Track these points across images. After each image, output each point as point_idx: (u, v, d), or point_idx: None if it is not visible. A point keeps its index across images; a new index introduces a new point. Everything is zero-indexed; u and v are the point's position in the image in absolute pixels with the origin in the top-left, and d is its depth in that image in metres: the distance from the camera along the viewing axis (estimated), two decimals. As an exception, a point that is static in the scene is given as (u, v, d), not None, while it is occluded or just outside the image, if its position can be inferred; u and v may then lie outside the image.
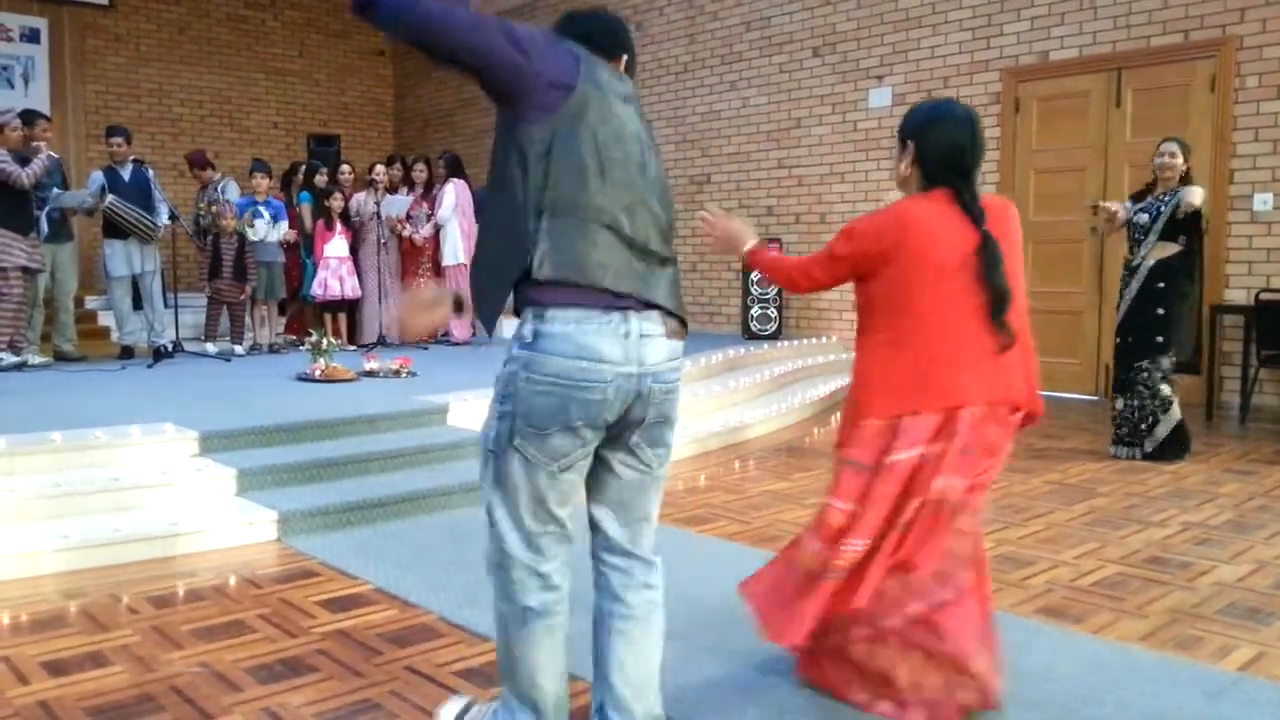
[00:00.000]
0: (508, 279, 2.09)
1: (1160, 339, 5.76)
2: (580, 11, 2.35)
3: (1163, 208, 5.75)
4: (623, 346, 2.06)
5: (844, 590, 2.60)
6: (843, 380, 8.44)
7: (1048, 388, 8.31)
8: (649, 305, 2.11)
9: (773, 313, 9.69)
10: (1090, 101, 8.07)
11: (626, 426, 2.16)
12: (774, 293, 9.65)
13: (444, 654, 3.09)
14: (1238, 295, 7.36)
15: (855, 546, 2.57)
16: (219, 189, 8.84)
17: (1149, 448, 5.85)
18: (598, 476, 2.25)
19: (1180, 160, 5.80)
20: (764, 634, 2.74)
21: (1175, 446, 5.84)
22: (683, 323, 2.21)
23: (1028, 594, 3.61)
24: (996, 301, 2.53)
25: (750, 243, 2.90)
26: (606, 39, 2.29)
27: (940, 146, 2.59)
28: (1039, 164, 8.39)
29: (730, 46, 10.40)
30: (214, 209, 8.55)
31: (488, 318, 2.14)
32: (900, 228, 2.54)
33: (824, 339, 9.56)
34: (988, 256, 2.52)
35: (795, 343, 9.23)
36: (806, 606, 2.62)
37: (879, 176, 9.33)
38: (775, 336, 9.61)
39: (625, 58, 2.33)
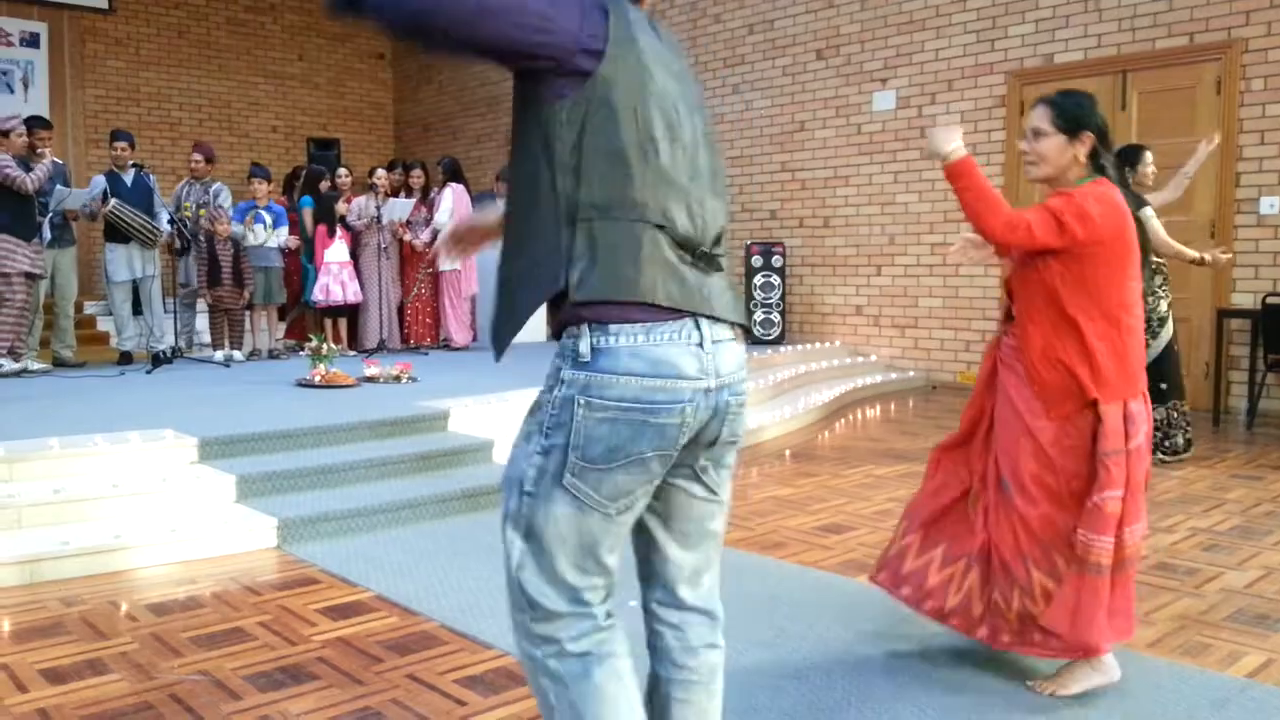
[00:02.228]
0: (535, 301, 1.74)
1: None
2: None
3: None
4: (698, 357, 1.70)
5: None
6: (846, 385, 8.42)
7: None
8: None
9: (776, 317, 9.65)
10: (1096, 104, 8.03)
11: (696, 449, 1.78)
12: (778, 297, 9.62)
13: (445, 662, 3.06)
14: (1244, 299, 7.33)
15: (1136, 531, 2.72)
16: (212, 193, 8.78)
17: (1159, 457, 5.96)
18: (654, 511, 1.84)
19: (1151, 169, 5.93)
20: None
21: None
22: (744, 326, 1.85)
23: (1035, 601, 3.58)
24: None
25: (954, 145, 2.76)
26: None
27: (1108, 136, 2.78)
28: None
29: (733, 49, 10.38)
30: (203, 212, 8.46)
31: (501, 342, 1.79)
32: (1122, 216, 2.70)
33: (828, 343, 9.53)
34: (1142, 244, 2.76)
35: (799, 347, 9.20)
36: (1116, 602, 2.73)
37: (883, 180, 9.31)
38: (779, 341, 9.58)
39: None
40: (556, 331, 1.76)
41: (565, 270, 1.67)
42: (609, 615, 1.78)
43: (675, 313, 1.69)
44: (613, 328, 1.66)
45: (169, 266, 8.60)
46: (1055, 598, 2.71)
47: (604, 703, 1.72)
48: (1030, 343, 2.76)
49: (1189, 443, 5.92)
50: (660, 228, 1.68)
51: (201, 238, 8.39)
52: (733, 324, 1.78)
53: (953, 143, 2.77)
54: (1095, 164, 2.77)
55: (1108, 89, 7.96)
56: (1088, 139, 2.74)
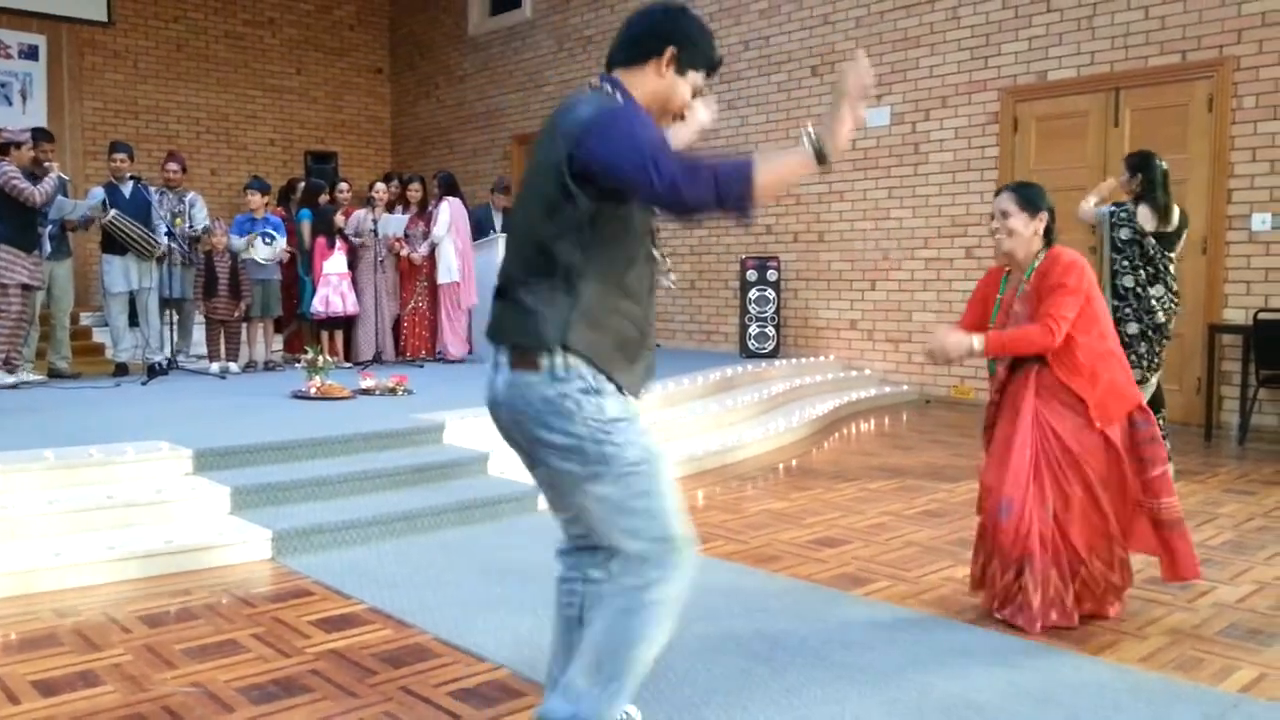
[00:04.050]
0: None
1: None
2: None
3: None
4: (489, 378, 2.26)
5: None
6: (840, 399, 8.43)
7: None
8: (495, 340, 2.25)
9: (771, 331, 9.67)
10: (1089, 121, 8.09)
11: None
12: (772, 311, 9.64)
13: (439, 674, 3.06)
14: (1236, 315, 7.36)
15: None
16: (187, 202, 8.76)
17: None
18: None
19: (1124, 179, 5.93)
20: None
21: None
22: (521, 349, 2.16)
23: (1028, 615, 3.58)
24: None
25: (976, 344, 3.38)
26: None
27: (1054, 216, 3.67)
28: (1037, 183, 8.40)
29: (728, 65, 10.42)
30: (179, 221, 8.44)
31: None
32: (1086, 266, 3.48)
33: (822, 357, 9.55)
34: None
35: (793, 361, 9.22)
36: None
37: (877, 195, 9.34)
38: (773, 355, 9.59)
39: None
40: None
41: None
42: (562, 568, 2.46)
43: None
44: None
45: (166, 279, 8.58)
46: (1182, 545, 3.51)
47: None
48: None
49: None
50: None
51: (199, 251, 8.40)
52: (502, 346, 2.22)
53: (963, 344, 3.37)
54: (1047, 240, 3.54)
55: (1100, 106, 8.01)
56: (1044, 217, 3.49)
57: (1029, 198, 3.51)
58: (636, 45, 2.26)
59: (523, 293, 2.14)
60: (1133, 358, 5.82)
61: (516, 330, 2.17)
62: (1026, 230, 3.48)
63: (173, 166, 8.82)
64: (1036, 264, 3.49)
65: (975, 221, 8.73)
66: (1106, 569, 3.42)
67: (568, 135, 2.09)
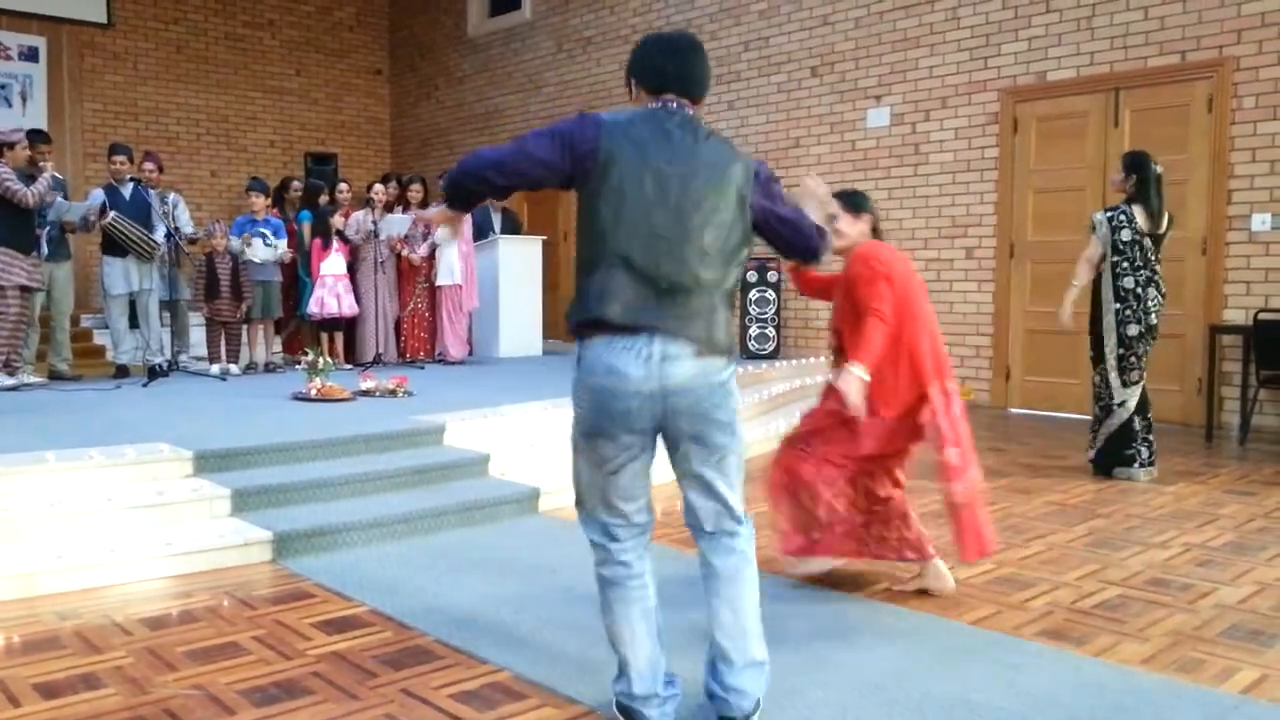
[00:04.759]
0: (571, 323, 2.60)
1: (1092, 352, 6.02)
2: (652, 47, 2.68)
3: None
4: (645, 365, 2.48)
5: None
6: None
7: (1047, 407, 8.33)
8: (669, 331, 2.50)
9: (771, 332, 9.67)
10: (1088, 121, 8.10)
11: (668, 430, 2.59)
12: (772, 312, 9.64)
13: (440, 677, 3.06)
14: (1236, 315, 7.36)
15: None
16: (170, 203, 8.73)
17: (1090, 455, 6.07)
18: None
19: (1119, 178, 5.94)
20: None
21: (1106, 460, 5.97)
22: (713, 343, 2.55)
23: (1029, 616, 3.59)
24: None
25: (864, 374, 3.49)
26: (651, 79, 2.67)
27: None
28: (1037, 184, 8.41)
29: (728, 66, 10.43)
30: (174, 227, 8.44)
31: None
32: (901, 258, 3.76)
33: (823, 358, 9.54)
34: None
35: (794, 362, 9.21)
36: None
37: (877, 196, 9.33)
38: (774, 356, 9.59)
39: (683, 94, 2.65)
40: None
41: (575, 298, 2.58)
42: (629, 552, 2.63)
43: (631, 330, 2.48)
44: (587, 339, 2.55)
45: (167, 280, 8.59)
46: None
47: (611, 613, 2.65)
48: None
49: (1119, 458, 5.94)
50: (629, 268, 2.48)
51: (199, 253, 8.41)
52: (692, 340, 2.51)
53: (857, 381, 3.45)
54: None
55: (1100, 106, 8.02)
56: (867, 218, 3.80)
57: (854, 202, 3.81)
58: (626, 81, 2.74)
59: (717, 298, 2.58)
60: (1132, 359, 5.83)
61: (711, 327, 2.56)
62: (853, 230, 3.77)
63: (149, 166, 8.73)
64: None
65: (975, 222, 8.73)
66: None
67: (747, 176, 2.62)
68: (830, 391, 3.77)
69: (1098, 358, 5.95)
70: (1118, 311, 5.81)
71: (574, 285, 2.62)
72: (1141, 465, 5.88)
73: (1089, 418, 6.25)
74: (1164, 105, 7.70)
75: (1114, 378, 5.88)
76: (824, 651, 3.21)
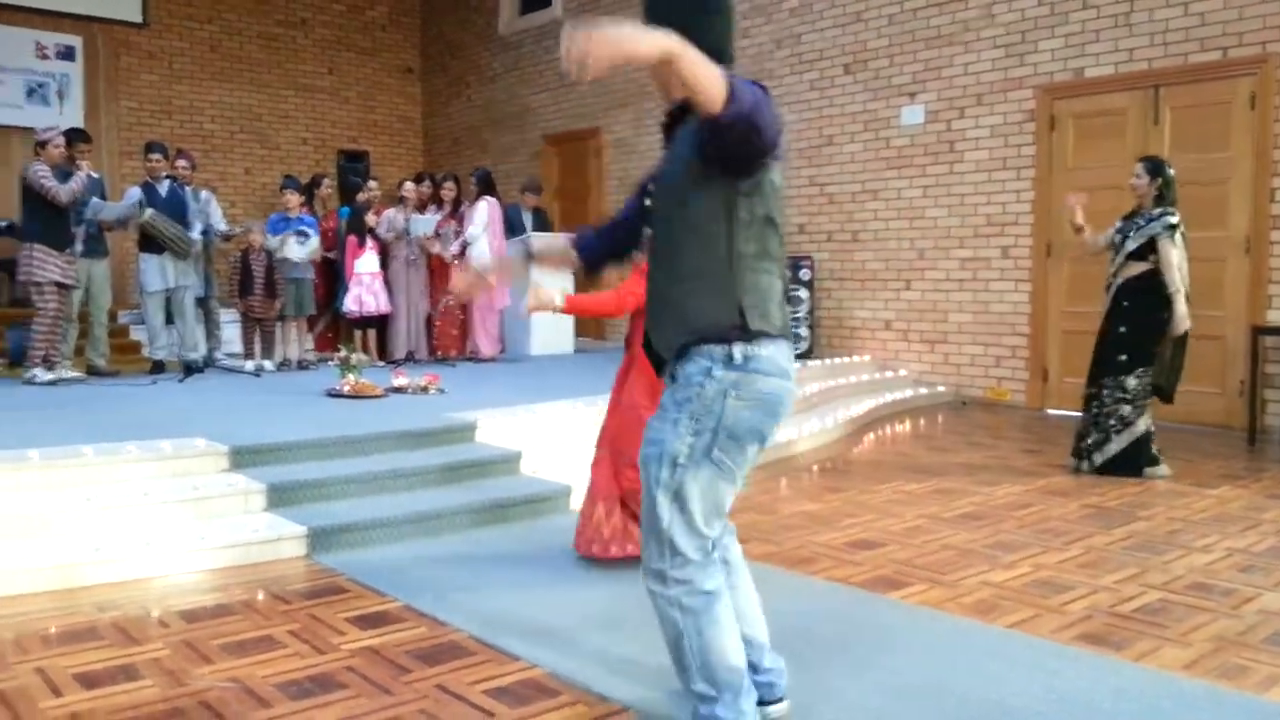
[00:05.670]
0: (711, 317, 2.36)
1: (1123, 357, 5.89)
2: None
3: (1132, 230, 5.89)
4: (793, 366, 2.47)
5: None
6: (875, 400, 8.39)
7: (1075, 408, 8.21)
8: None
9: (805, 331, 9.61)
10: (1128, 119, 7.99)
11: None
12: (806, 311, 9.59)
13: (474, 673, 3.06)
14: (1279, 317, 7.24)
15: None
16: (202, 200, 8.79)
17: (1098, 461, 5.98)
18: None
19: (1144, 181, 5.88)
20: None
21: (1128, 464, 5.90)
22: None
23: (1067, 620, 3.54)
24: None
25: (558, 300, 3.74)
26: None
27: None
28: (1076, 181, 8.29)
29: (761, 64, 10.38)
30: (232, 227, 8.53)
31: (672, 343, 2.46)
32: None
33: (857, 358, 9.49)
34: None
35: (827, 362, 9.16)
36: None
37: (912, 194, 9.27)
38: (807, 355, 9.54)
39: None
40: (679, 346, 2.41)
41: (739, 301, 2.35)
42: (722, 560, 2.53)
43: (784, 335, 2.43)
44: (758, 341, 2.36)
45: (205, 277, 8.67)
46: None
47: (720, 626, 2.42)
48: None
49: (1139, 461, 5.91)
50: (780, 266, 2.43)
51: (236, 250, 8.48)
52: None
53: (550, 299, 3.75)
54: None
55: (1139, 103, 7.91)
56: None
57: None
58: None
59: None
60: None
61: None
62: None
63: (182, 163, 8.84)
64: None
65: (1012, 221, 8.64)
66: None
67: None
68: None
69: (1143, 359, 5.86)
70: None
71: (718, 283, 2.36)
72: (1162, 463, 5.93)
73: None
74: (1205, 102, 7.58)
75: (1149, 379, 5.85)
76: (860, 653, 3.18)
